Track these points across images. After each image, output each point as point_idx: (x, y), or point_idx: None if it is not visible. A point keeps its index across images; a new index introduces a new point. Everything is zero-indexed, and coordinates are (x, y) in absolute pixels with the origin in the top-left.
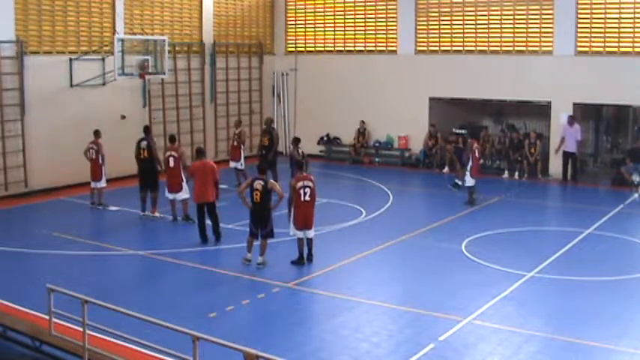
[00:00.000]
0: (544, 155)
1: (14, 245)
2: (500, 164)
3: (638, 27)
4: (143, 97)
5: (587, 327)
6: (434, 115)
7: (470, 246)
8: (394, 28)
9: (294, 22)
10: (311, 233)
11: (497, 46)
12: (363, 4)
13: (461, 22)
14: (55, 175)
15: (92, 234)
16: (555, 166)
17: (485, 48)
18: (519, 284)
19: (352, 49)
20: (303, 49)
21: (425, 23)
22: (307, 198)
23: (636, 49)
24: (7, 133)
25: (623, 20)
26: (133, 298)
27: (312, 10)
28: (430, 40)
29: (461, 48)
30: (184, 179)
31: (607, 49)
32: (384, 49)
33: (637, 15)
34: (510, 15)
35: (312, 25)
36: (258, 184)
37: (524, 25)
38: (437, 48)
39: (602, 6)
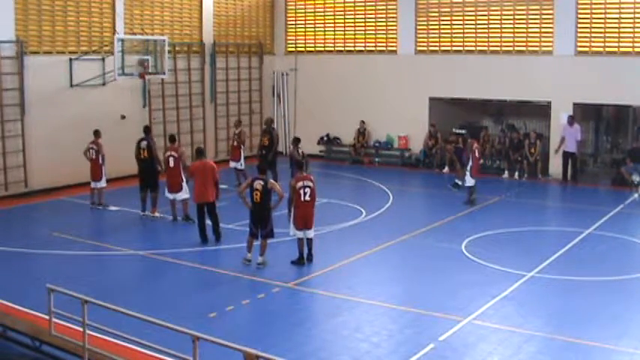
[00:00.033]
0: (544, 155)
1: (14, 245)
2: (500, 164)
3: (638, 27)
4: (143, 97)
5: (587, 327)
6: (434, 115)
7: (470, 246)
8: (394, 28)
9: (294, 22)
10: (311, 233)
11: (497, 46)
12: (363, 4)
13: (461, 22)
14: (55, 175)
15: (92, 234)
16: (555, 166)
17: (485, 48)
18: (519, 284)
19: (352, 49)
20: (303, 49)
21: (425, 23)
22: (307, 198)
23: (636, 49)
24: (7, 133)
25: (623, 20)
26: (133, 298)
27: (312, 10)
28: (430, 40)
29: (461, 48)
30: (184, 179)
31: (607, 49)
32: (384, 49)
33: (637, 15)
34: (510, 15)
35: (312, 25)
36: (258, 184)
37: (524, 25)
38: (437, 48)
39: (602, 6)
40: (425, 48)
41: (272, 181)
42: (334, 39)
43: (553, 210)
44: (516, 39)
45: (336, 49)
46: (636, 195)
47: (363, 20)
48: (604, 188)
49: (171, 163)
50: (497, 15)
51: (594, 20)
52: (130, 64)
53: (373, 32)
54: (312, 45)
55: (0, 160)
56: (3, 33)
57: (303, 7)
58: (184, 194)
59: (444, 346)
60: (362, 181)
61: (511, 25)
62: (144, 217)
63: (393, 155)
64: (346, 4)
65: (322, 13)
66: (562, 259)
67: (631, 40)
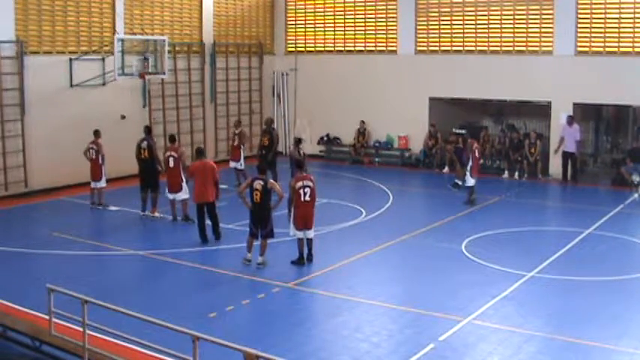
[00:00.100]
0: (544, 155)
1: (14, 245)
2: (500, 164)
3: (638, 27)
4: (143, 97)
5: (587, 327)
6: (434, 115)
7: (470, 246)
8: (394, 28)
9: (294, 22)
10: (311, 233)
11: (497, 46)
12: (363, 4)
13: (461, 22)
14: (55, 175)
15: (92, 234)
16: (555, 166)
17: (485, 48)
18: (519, 284)
19: (352, 49)
20: (303, 49)
21: (425, 23)
22: (307, 198)
23: (636, 49)
24: (7, 133)
25: (623, 20)
26: (133, 298)
27: (312, 10)
28: (430, 40)
29: (461, 48)
30: (184, 179)
31: (607, 49)
32: (384, 49)
33: (637, 15)
34: (510, 15)
35: (312, 25)
36: (258, 184)
37: (524, 25)
38: (437, 48)
39: (602, 6)
40: (425, 48)
41: (272, 181)
42: (334, 39)
43: (553, 210)
44: (516, 39)
45: (336, 49)
46: (636, 195)
47: (363, 20)
48: (604, 188)
49: (171, 163)
50: (497, 15)
51: (594, 20)
52: (130, 64)
53: (373, 32)
54: (312, 45)
55: (0, 160)
56: (3, 33)
57: (303, 7)
58: (184, 194)
59: (444, 346)
60: (362, 181)
61: (511, 25)
62: (144, 217)
63: (393, 155)
64: (346, 4)
65: (322, 13)
66: (562, 259)
67: (631, 40)
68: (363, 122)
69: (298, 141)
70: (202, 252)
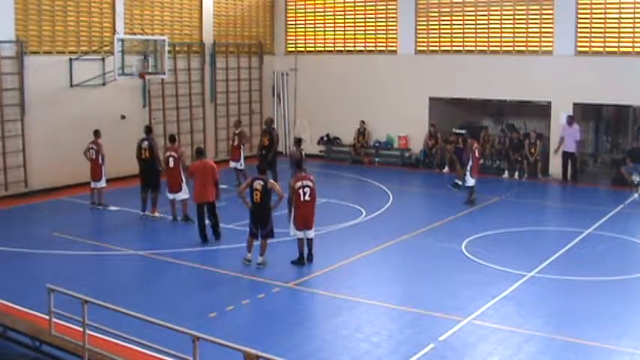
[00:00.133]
0: (544, 155)
1: (14, 245)
2: (500, 164)
3: (638, 27)
4: (143, 97)
5: (587, 327)
6: (434, 115)
7: (470, 246)
8: (394, 28)
9: (294, 22)
10: (311, 233)
11: (497, 46)
12: (363, 4)
13: (461, 22)
14: (55, 175)
15: (92, 234)
16: (555, 166)
17: (485, 48)
18: (519, 284)
19: (352, 49)
20: (303, 49)
21: (425, 23)
22: (307, 198)
23: (636, 49)
24: (7, 133)
25: (623, 20)
26: (133, 298)
27: (312, 10)
28: (430, 40)
29: (461, 48)
30: (184, 179)
31: (607, 49)
32: (384, 49)
33: (637, 15)
34: (510, 15)
35: (312, 25)
36: (258, 184)
37: (524, 25)
38: (437, 48)
39: (602, 6)
40: (425, 48)
41: (272, 181)
42: (334, 39)
43: (553, 210)
44: (516, 39)
45: (336, 49)
46: (636, 195)
47: (363, 20)
48: (604, 188)
49: (171, 164)
50: (497, 15)
51: (594, 20)
52: (130, 64)
53: (373, 32)
54: (312, 45)
55: (0, 160)
56: (3, 33)
57: (303, 7)
58: (184, 194)
59: (444, 346)
60: (362, 181)
61: (511, 25)
62: (144, 217)
63: (393, 155)
64: (346, 4)
65: (322, 13)
66: (562, 259)
67: (631, 40)
68: (363, 122)
69: (299, 141)
70: (202, 252)
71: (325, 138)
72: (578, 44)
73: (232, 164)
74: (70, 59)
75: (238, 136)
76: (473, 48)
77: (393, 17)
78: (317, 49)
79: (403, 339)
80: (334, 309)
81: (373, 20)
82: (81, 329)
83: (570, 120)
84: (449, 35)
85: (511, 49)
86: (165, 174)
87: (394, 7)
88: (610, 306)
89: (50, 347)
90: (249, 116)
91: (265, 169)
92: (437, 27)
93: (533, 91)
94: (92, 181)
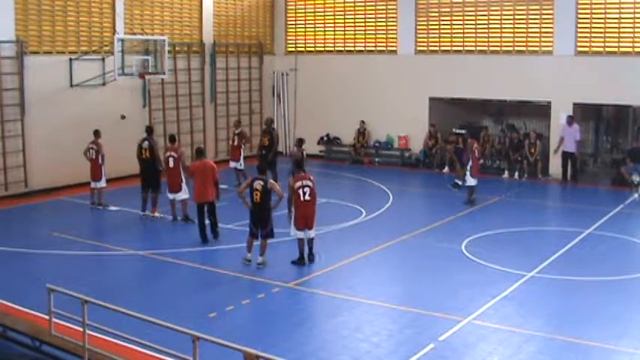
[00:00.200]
0: (544, 155)
1: (14, 245)
2: (500, 164)
3: (638, 27)
4: (143, 97)
5: (587, 327)
6: (434, 115)
7: (470, 246)
8: (394, 28)
9: (294, 22)
10: (312, 233)
11: (497, 46)
12: (363, 4)
13: (461, 22)
14: (55, 175)
15: (92, 234)
16: (555, 166)
17: (485, 48)
18: (519, 284)
19: (352, 49)
20: (303, 49)
21: (425, 23)
22: (307, 197)
23: (636, 49)
24: (7, 133)
25: (623, 20)
26: (133, 298)
27: (312, 10)
28: (430, 40)
29: (461, 48)
30: (184, 179)
31: (607, 49)
32: (384, 49)
33: (637, 15)
34: (510, 15)
35: (312, 25)
36: (258, 184)
37: (524, 25)
38: (437, 48)
39: (602, 6)
40: (425, 48)
41: (272, 181)
42: (334, 39)
43: (553, 210)
44: (516, 39)
45: (336, 49)
46: (636, 195)
47: (363, 20)
48: (604, 188)
49: (171, 164)
50: (497, 15)
51: (594, 20)
52: (130, 64)
53: (373, 32)
54: (312, 45)
55: (0, 160)
56: (3, 33)
57: (303, 7)
58: (183, 194)
59: (444, 346)
60: (362, 181)
61: (511, 25)
62: (144, 217)
63: (393, 155)
64: (346, 4)
65: (322, 13)
66: (562, 259)
67: (631, 40)
68: (363, 122)
69: (301, 141)
70: (202, 252)
71: (325, 138)
72: (578, 44)
73: (232, 164)
74: (70, 59)
75: (238, 136)
76: (473, 48)
77: (393, 17)
78: (317, 49)
79: (403, 339)
80: (334, 309)
81: (373, 20)
82: (81, 329)
83: (570, 120)
84: (449, 35)
85: (511, 49)
86: (165, 174)
87: (394, 7)
88: (610, 306)
89: (50, 347)
90: (249, 116)
91: (265, 169)
92: (437, 27)
93: (533, 91)
94: (92, 181)
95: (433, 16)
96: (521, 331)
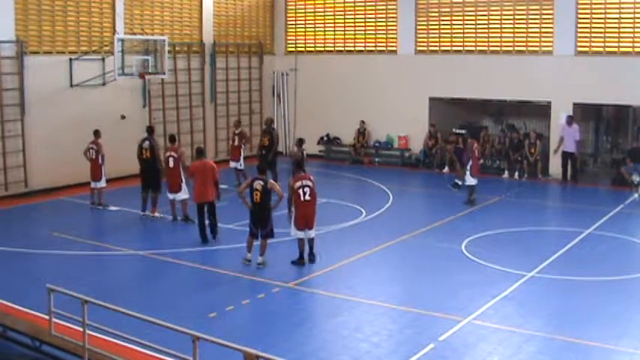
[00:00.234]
0: (544, 155)
1: (14, 245)
2: (500, 164)
3: (638, 27)
4: (143, 97)
5: (587, 327)
6: (434, 115)
7: (470, 246)
8: (394, 28)
9: (294, 22)
10: (312, 233)
11: (497, 46)
12: (363, 4)
13: (461, 22)
14: (55, 175)
15: (92, 234)
16: (555, 166)
17: (485, 48)
18: (519, 284)
19: (352, 49)
20: (303, 49)
21: (425, 23)
22: (307, 197)
23: (636, 49)
24: (7, 133)
25: (623, 20)
26: (133, 298)
27: (312, 10)
28: (430, 40)
29: (461, 48)
30: (184, 180)
31: (607, 49)
32: (384, 49)
33: (637, 15)
34: (510, 15)
35: (312, 25)
36: (258, 184)
37: (524, 25)
38: (437, 48)
39: (602, 6)
40: (425, 48)
41: (272, 181)
42: (334, 39)
43: (553, 210)
44: (516, 39)
45: (336, 49)
46: (636, 195)
47: (363, 20)
48: (604, 188)
49: (171, 164)
50: (497, 15)
51: (594, 20)
52: (130, 64)
53: (373, 32)
54: (312, 45)
55: (0, 160)
56: (3, 33)
57: (303, 7)
58: (183, 194)
59: (444, 346)
60: (362, 181)
61: (511, 25)
62: (144, 217)
63: (393, 155)
64: (346, 4)
65: (322, 13)
66: (562, 259)
67: (631, 40)
68: (363, 122)
69: (301, 141)
70: (202, 252)
71: (325, 138)
72: (578, 44)
73: (232, 164)
74: (70, 59)
75: (238, 136)
76: (473, 48)
77: (393, 17)
78: (317, 49)
79: (403, 339)
80: (334, 309)
81: (373, 20)
82: (81, 329)
83: (570, 120)
84: (449, 35)
85: (511, 49)
86: (165, 174)
87: (394, 7)
88: (610, 306)
89: (50, 347)
90: (249, 116)
91: (265, 169)
92: (437, 27)
93: (533, 91)
94: (92, 181)
95: (433, 16)
96: (521, 331)
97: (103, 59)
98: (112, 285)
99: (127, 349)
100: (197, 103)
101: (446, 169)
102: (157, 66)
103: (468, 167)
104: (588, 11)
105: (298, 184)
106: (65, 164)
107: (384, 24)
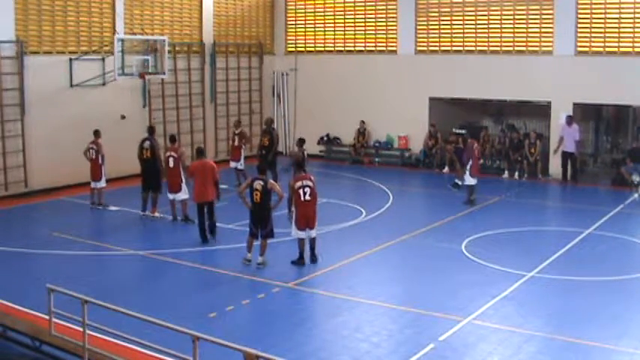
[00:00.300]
0: (544, 155)
1: (14, 245)
2: (500, 164)
3: (638, 27)
4: (143, 97)
5: (587, 327)
6: (434, 115)
7: (470, 246)
8: (394, 28)
9: (294, 22)
10: (313, 233)
11: (497, 46)
12: (363, 4)
13: (461, 22)
14: (55, 175)
15: (92, 234)
16: (555, 166)
17: (485, 48)
18: (519, 284)
19: (352, 49)
20: (303, 49)
21: (425, 23)
22: (308, 197)
23: (636, 49)
24: (7, 133)
25: (623, 20)
26: (133, 298)
27: (312, 10)
28: (430, 40)
29: (461, 48)
30: (183, 180)
31: (607, 49)
32: (384, 49)
33: (637, 15)
34: (510, 15)
35: (312, 25)
36: (258, 184)
37: (524, 25)
38: (437, 48)
39: (602, 6)
40: (425, 48)
41: (272, 181)
42: (334, 39)
43: (553, 210)
44: (516, 39)
45: (336, 49)
46: (636, 195)
47: (363, 20)
48: (604, 188)
49: (171, 164)
50: (497, 15)
51: (594, 20)
52: (130, 64)
53: (373, 32)
54: (312, 45)
55: (0, 160)
56: (3, 33)
57: (303, 7)
58: (183, 195)
59: (444, 346)
60: (362, 181)
61: (511, 25)
62: (144, 217)
63: (393, 155)
64: (346, 4)
65: (322, 13)
66: (562, 259)
67: (631, 40)
68: (363, 122)
69: (302, 141)
70: (202, 252)
71: (325, 138)
72: (578, 44)
73: (232, 164)
74: (70, 59)
75: (238, 136)
76: (473, 48)
77: (393, 17)
78: (317, 49)
79: (403, 339)
80: (334, 309)
81: (373, 20)
82: (81, 329)
83: (570, 120)
84: (449, 35)
85: (511, 49)
86: (165, 174)
87: (394, 7)
88: (610, 306)
89: (50, 347)
90: (249, 116)
91: (265, 169)
92: (437, 27)
93: (533, 91)
94: (92, 181)
95: (433, 16)
96: (521, 331)
97: (103, 59)
98: (112, 285)
99: (127, 349)
100: (197, 103)
101: (446, 169)
102: (156, 66)
103: (468, 167)
104: (588, 11)
105: (299, 184)
106: (65, 164)
107: (384, 24)
